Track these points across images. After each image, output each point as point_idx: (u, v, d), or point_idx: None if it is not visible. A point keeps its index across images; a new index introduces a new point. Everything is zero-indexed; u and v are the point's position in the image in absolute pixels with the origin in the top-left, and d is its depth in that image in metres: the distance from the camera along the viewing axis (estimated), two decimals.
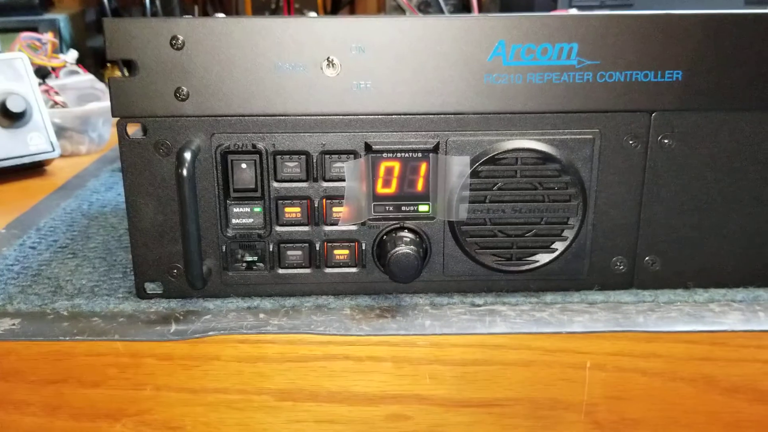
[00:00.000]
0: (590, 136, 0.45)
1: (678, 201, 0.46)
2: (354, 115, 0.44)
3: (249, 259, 0.47)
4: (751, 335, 0.45)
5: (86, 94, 0.87)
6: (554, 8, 1.07)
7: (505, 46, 0.43)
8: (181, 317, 0.45)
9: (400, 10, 1.14)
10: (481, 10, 1.11)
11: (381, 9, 1.40)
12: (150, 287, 0.47)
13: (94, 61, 1.16)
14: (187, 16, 0.43)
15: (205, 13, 1.24)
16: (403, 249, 0.44)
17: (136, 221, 0.45)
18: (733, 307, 0.47)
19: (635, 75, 0.44)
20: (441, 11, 1.04)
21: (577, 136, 0.45)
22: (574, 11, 0.46)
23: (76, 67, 0.92)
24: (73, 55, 0.94)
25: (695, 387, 0.46)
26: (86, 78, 0.89)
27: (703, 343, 0.45)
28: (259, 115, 0.43)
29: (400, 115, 0.44)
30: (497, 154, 0.44)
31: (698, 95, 0.44)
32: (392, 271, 0.44)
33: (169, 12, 1.18)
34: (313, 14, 0.60)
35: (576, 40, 0.43)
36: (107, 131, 0.89)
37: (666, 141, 0.45)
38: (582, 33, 0.43)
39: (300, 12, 1.32)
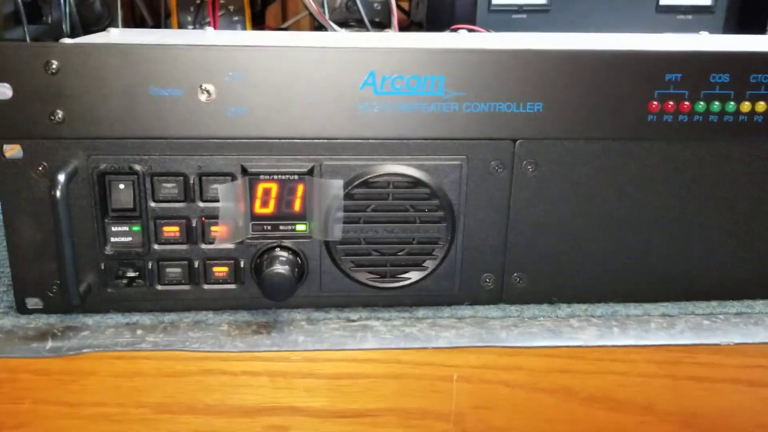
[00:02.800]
0: (458, 162, 0.47)
1: (542, 222, 0.49)
2: (230, 138, 0.45)
3: (129, 275, 0.48)
4: (606, 350, 0.48)
5: None
6: (474, 16, 1.09)
7: (376, 77, 0.45)
8: (59, 333, 0.46)
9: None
10: (408, 15, 1.12)
11: None
12: (31, 302, 0.48)
13: None
14: (63, 40, 0.43)
15: (131, 8, 1.21)
16: (276, 269, 0.45)
17: (15, 239, 0.46)
18: (591, 323, 0.50)
19: (499, 106, 0.46)
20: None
21: (446, 162, 0.47)
22: (444, 43, 0.48)
23: None
24: None
25: (556, 397, 0.49)
26: None
27: (561, 357, 0.48)
28: (136, 138, 0.44)
29: (275, 139, 0.45)
30: (370, 178, 0.47)
31: (557, 125, 0.47)
32: (266, 289, 0.46)
33: (87, 7, 1.16)
34: (210, 30, 0.61)
35: (443, 73, 0.45)
36: None
37: (529, 167, 0.48)
38: (449, 66, 0.45)
39: (225, 8, 1.31)
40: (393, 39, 0.55)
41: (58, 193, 0.42)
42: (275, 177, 0.46)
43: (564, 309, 0.51)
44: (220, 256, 0.48)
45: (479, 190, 0.48)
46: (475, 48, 0.45)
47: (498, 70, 0.45)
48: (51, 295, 0.47)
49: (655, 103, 0.47)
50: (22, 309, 0.48)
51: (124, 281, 0.48)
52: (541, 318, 0.50)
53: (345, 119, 0.45)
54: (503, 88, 0.46)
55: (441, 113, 0.46)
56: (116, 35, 0.55)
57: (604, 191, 0.49)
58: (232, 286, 0.48)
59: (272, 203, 0.47)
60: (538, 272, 0.51)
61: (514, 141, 0.47)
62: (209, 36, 0.58)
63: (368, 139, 0.46)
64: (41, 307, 0.48)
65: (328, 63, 0.44)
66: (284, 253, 0.47)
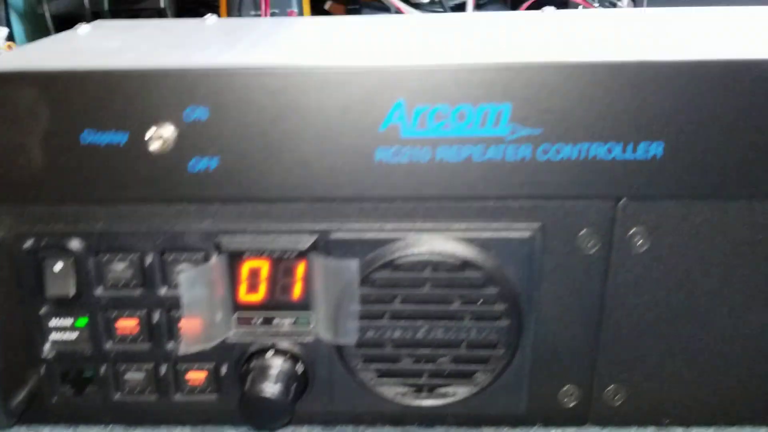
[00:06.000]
0: (527, 234, 0.32)
1: (651, 316, 0.34)
2: (198, 202, 0.32)
3: (79, 381, 0.36)
4: None
5: None
6: None
7: (406, 109, 0.30)
8: None
9: None
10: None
11: None
12: None
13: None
14: None
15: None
16: (262, 389, 0.32)
17: None
18: None
19: (594, 149, 0.30)
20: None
21: (508, 234, 0.32)
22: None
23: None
24: (2, 33, 0.77)
25: None
26: None
27: None
28: (70, 203, 0.32)
29: (260, 201, 0.32)
30: (397, 258, 0.32)
31: (686, 177, 0.30)
32: (247, 416, 0.33)
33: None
34: (212, 17, 0.47)
35: (508, 99, 0.30)
36: None
37: (637, 240, 0.32)
38: (517, 88, 0.29)
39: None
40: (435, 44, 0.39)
41: None
42: (265, 253, 0.32)
43: None
44: (195, 359, 0.35)
45: (559, 273, 0.33)
46: (559, 61, 0.29)
47: (596, 93, 0.29)
48: None
49: None
50: None
51: (72, 389, 0.36)
52: None
53: (361, 172, 0.31)
54: (602, 120, 0.30)
55: (503, 162, 0.31)
56: (84, 33, 0.42)
57: (742, 271, 0.33)
58: (212, 397, 0.36)
59: (263, 287, 0.33)
60: (643, 384, 0.36)
61: (617, 201, 0.31)
62: (207, 28, 0.43)
63: (394, 200, 0.32)
64: None
65: (335, 90, 0.30)
66: (278, 361, 0.34)
